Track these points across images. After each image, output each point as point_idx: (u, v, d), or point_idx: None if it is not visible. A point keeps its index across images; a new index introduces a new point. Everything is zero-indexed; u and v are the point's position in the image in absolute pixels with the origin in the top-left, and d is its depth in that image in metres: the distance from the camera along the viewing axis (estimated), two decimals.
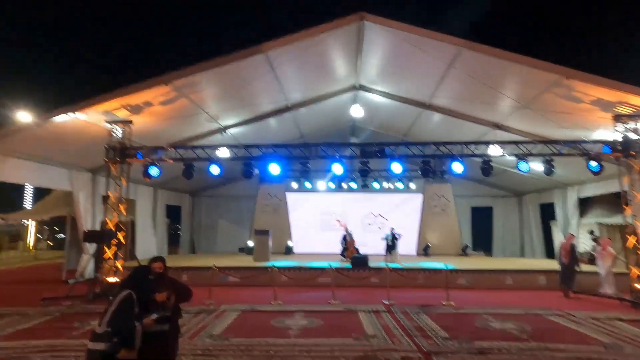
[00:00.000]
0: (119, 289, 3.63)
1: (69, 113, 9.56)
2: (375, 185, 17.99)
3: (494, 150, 10.66)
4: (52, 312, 8.48)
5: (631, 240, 10.03)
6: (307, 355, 5.49)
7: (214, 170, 10.85)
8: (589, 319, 7.98)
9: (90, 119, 10.13)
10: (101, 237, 10.58)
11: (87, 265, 12.04)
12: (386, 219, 15.19)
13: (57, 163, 11.80)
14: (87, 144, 11.10)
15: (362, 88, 13.04)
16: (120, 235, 10.74)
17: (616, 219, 14.17)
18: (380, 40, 10.10)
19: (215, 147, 11.10)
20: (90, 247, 12.34)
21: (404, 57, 10.59)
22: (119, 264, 10.65)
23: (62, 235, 24.12)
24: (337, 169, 10.85)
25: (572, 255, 10.91)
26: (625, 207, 10.25)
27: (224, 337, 6.43)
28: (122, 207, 10.71)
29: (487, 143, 10.84)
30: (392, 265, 12.27)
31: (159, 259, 4.03)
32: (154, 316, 3.58)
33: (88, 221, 12.73)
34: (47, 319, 7.94)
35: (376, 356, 5.45)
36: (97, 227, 12.86)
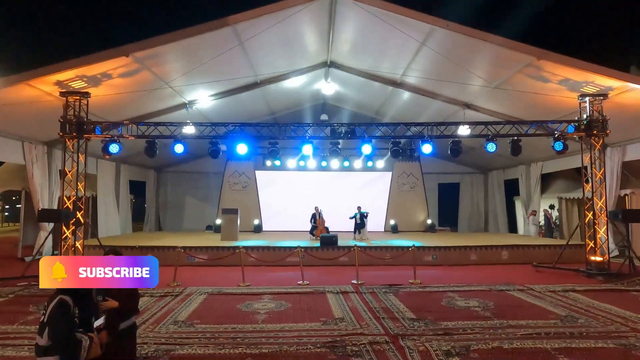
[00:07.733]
0: (53, 293, 3.26)
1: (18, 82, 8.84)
2: (346, 163, 17.91)
3: (463, 131, 10.73)
4: (5, 294, 8.04)
5: (589, 216, 10.54)
6: (274, 342, 5.40)
7: (178, 149, 10.45)
8: (547, 292, 8.35)
9: (44, 89, 9.43)
10: (58, 216, 10.01)
11: (44, 243, 11.46)
12: (360, 208, 15.23)
13: (8, 134, 11.03)
14: (42, 115, 10.33)
15: (333, 65, 12.72)
16: (79, 214, 10.26)
17: (576, 194, 14.75)
18: (352, 16, 9.78)
19: (180, 124, 10.62)
20: (49, 224, 11.76)
21: (377, 34, 10.34)
22: (78, 244, 10.21)
23: (18, 206, 22.92)
24: (307, 150, 10.70)
25: None
26: (585, 184, 10.65)
27: (189, 323, 6.26)
28: (80, 185, 10.18)
29: (457, 124, 10.87)
30: (360, 244, 12.34)
31: (111, 251, 3.75)
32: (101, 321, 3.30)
33: (45, 196, 12.05)
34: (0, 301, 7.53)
35: (344, 341, 5.43)
36: (55, 203, 12.21)
